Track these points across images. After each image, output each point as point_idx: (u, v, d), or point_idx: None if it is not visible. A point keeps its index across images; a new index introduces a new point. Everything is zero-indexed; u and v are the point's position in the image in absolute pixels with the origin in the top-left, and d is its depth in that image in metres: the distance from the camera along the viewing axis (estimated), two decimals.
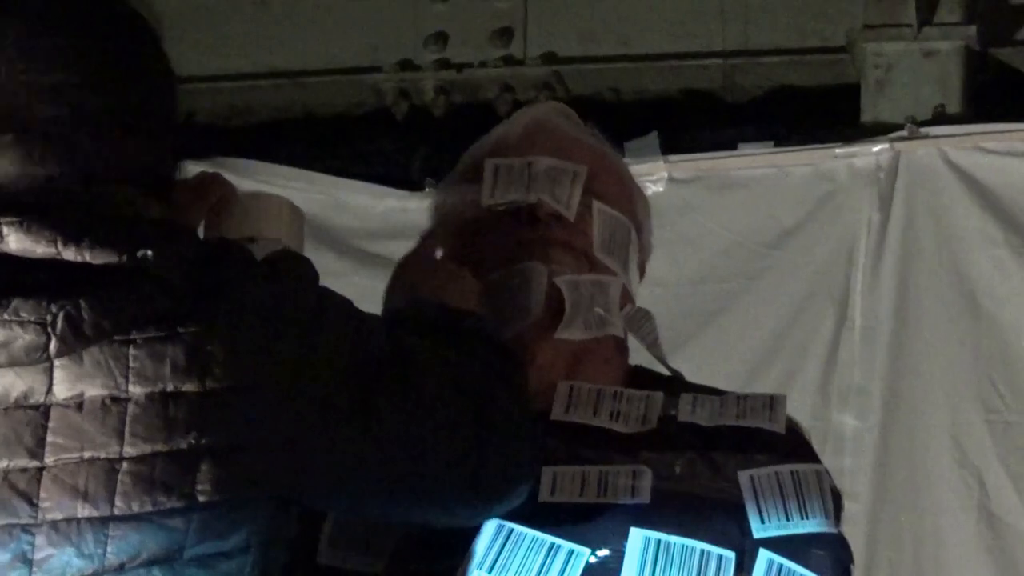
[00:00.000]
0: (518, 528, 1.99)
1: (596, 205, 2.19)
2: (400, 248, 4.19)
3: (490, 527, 1.99)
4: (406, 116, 4.67)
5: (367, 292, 4.24)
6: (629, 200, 2.25)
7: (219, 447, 1.63)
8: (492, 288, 2.15)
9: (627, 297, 2.21)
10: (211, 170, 4.44)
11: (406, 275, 2.10)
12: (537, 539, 1.99)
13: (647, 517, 1.98)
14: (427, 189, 4.26)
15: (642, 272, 2.27)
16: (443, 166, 4.23)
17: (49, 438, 1.61)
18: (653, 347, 2.21)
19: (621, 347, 2.23)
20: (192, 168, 4.48)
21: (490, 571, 1.98)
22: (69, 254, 1.62)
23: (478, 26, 4.63)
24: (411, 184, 4.39)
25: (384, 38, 4.68)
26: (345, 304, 1.80)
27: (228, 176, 4.46)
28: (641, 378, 2.21)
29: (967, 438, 3.91)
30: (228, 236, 1.96)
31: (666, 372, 2.22)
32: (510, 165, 2.20)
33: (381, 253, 4.22)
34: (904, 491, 3.90)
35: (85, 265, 1.62)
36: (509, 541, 1.99)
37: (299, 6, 4.74)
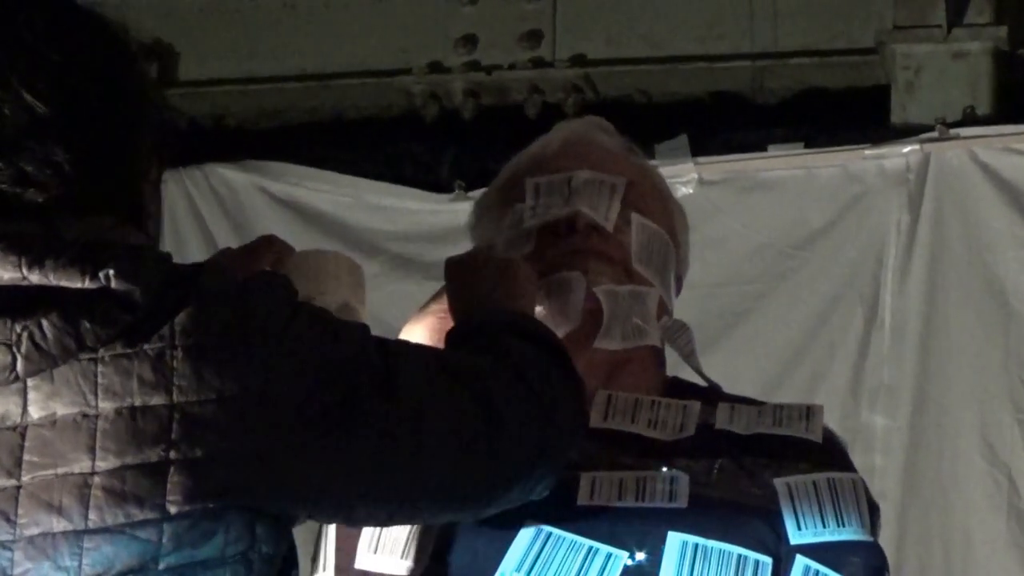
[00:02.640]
0: (556, 531, 2.01)
1: (635, 217, 2.20)
2: (430, 251, 4.23)
3: (528, 530, 2.01)
4: (435, 118, 4.67)
5: (397, 294, 4.28)
6: (667, 214, 2.27)
7: (188, 458, 1.64)
8: None
9: (664, 308, 2.22)
10: (252, 178, 4.45)
11: (460, 273, 2.10)
12: (576, 542, 2.00)
13: (685, 522, 1.99)
14: (456, 191, 4.27)
15: (679, 286, 2.29)
16: (472, 168, 4.27)
17: (25, 457, 1.64)
18: (690, 358, 2.22)
19: (658, 358, 2.24)
20: (221, 171, 4.52)
21: (528, 573, 1.99)
22: (34, 277, 1.64)
23: (507, 28, 4.63)
24: (440, 187, 4.40)
25: (413, 41, 4.68)
26: (321, 315, 1.79)
27: (258, 179, 4.49)
28: (678, 389, 2.22)
29: (997, 437, 3.91)
30: None
31: (703, 383, 2.23)
32: (550, 182, 2.21)
33: (411, 256, 4.24)
34: (933, 490, 3.90)
35: (50, 287, 1.65)
36: (548, 544, 2.00)
37: (328, 9, 4.75)
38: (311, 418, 1.71)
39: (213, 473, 1.65)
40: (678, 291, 2.27)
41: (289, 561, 1.77)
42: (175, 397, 1.65)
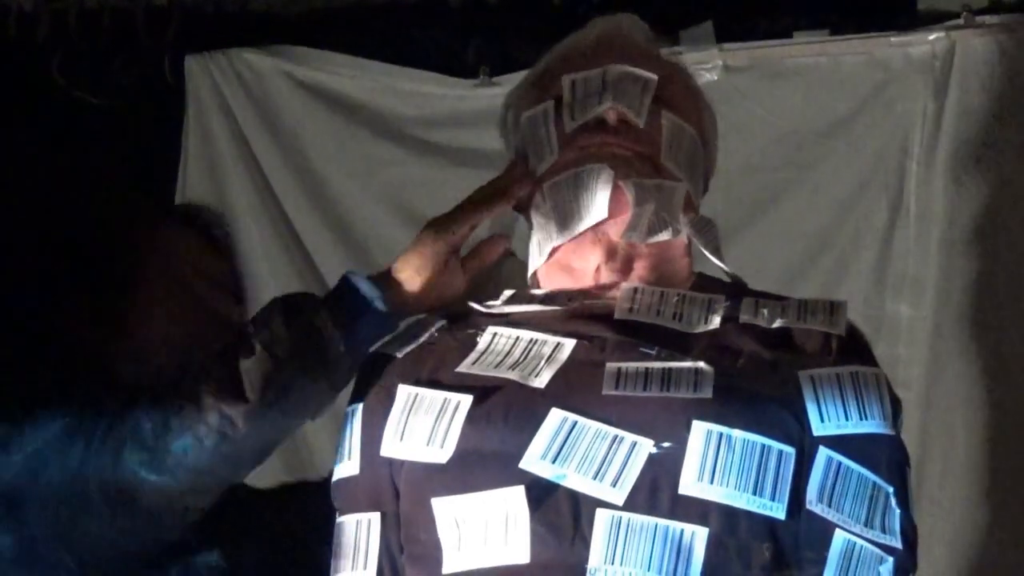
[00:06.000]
0: (582, 420, 2.02)
1: (665, 114, 2.22)
2: (455, 136, 4.22)
3: (554, 418, 2.02)
4: (461, 3, 4.64)
5: (420, 179, 4.26)
6: (697, 113, 2.28)
7: None
8: (559, 189, 2.19)
9: (691, 204, 2.24)
10: (277, 63, 4.41)
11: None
12: (601, 431, 2.01)
13: (709, 411, 2.00)
14: (482, 77, 4.26)
15: (706, 186, 2.30)
16: (498, 54, 4.24)
17: None
18: (715, 254, 2.23)
19: (684, 252, 2.26)
20: (247, 56, 4.48)
21: (554, 461, 2.00)
22: None
23: None
24: (466, 72, 4.38)
25: None
26: None
27: (284, 63, 4.45)
28: (704, 283, 2.24)
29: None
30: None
31: (728, 279, 2.25)
32: (586, 79, 2.22)
33: (436, 141, 4.23)
34: (958, 381, 3.91)
35: None
36: (573, 432, 2.01)
37: None
38: None
39: None
40: (705, 191, 2.29)
41: None
42: None
